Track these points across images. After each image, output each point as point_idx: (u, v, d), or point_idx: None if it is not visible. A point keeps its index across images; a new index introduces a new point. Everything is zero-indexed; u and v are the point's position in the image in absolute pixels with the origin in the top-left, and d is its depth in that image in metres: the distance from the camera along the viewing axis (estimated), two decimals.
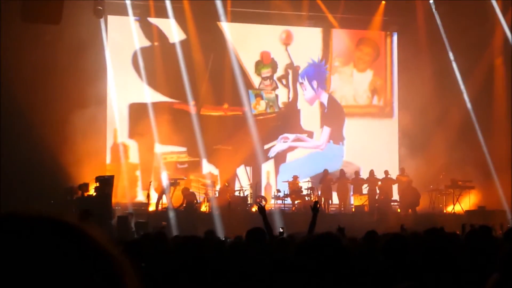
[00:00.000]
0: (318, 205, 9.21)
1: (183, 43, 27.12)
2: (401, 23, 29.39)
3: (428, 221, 19.22)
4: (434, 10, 28.64)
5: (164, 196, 24.24)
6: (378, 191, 25.86)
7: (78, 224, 1.18)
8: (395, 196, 26.45)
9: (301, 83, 28.75)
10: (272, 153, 28.07)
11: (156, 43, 27.21)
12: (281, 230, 17.92)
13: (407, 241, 5.90)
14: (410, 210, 25.15)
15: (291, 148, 28.38)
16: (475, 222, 16.60)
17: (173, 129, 26.00)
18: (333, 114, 28.81)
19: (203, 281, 4.95)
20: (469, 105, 28.00)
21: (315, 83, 28.81)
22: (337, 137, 28.81)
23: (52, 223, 1.15)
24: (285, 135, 28.30)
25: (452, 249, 4.84)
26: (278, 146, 28.20)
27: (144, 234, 10.85)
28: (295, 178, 25.96)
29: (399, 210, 25.82)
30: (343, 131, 28.89)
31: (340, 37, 29.36)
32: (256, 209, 24.80)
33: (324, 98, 28.89)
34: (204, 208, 24.57)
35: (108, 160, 26.25)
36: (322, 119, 28.77)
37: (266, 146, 27.81)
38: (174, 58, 26.72)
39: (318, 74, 28.90)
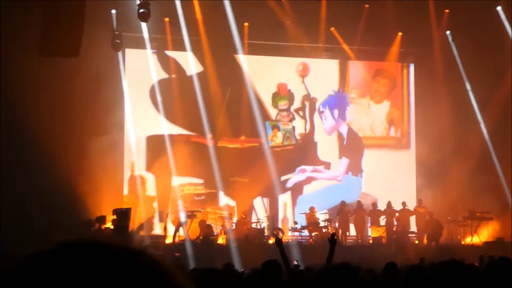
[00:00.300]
0: (335, 237, 9.17)
1: (200, 75, 27.23)
2: (417, 54, 29.40)
3: (446, 253, 19.12)
4: (450, 40, 28.71)
5: (181, 229, 24.21)
6: (395, 223, 25.73)
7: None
8: (413, 227, 26.31)
9: (322, 112, 28.75)
10: (289, 184, 28.03)
11: (173, 76, 27.34)
12: (296, 262, 17.87)
13: (427, 272, 5.86)
14: (433, 242, 24.96)
15: (308, 180, 28.32)
16: (494, 253, 16.46)
17: (190, 161, 26.02)
18: (352, 146, 28.79)
19: None
20: (486, 135, 27.94)
21: (336, 113, 28.82)
22: (355, 169, 28.76)
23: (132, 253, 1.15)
24: (303, 167, 28.26)
25: (472, 281, 4.80)
26: (295, 177, 28.16)
27: None
28: (312, 209, 25.87)
29: (417, 242, 25.67)
30: (361, 163, 28.83)
31: (357, 68, 29.40)
32: (274, 241, 24.80)
33: (344, 129, 28.89)
34: (221, 240, 24.53)
35: (125, 191, 26.28)
36: (340, 150, 28.74)
37: (283, 178, 27.78)
38: (191, 90, 26.81)
39: (340, 104, 28.94)
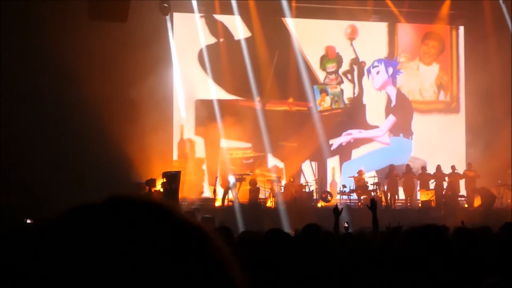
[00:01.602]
0: (374, 202, 9.16)
1: (248, 39, 27.20)
2: (467, 17, 29.02)
3: (496, 217, 18.97)
4: (501, 3, 28.25)
5: (230, 191, 24.32)
6: (445, 187, 25.59)
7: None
8: (462, 191, 26.16)
9: (376, 66, 28.56)
10: (334, 147, 27.93)
11: (221, 40, 27.34)
12: (346, 225, 17.89)
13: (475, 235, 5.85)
14: (478, 202, 24.90)
15: (356, 144, 28.23)
16: None
17: (238, 125, 26.05)
18: (401, 107, 28.61)
19: (276, 273, 4.98)
20: None
21: (390, 70, 28.63)
22: (406, 131, 28.60)
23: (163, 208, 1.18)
24: (349, 131, 28.18)
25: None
26: (339, 139, 28.03)
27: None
28: (361, 173, 25.81)
29: (466, 206, 25.53)
30: (411, 125, 28.67)
31: (406, 31, 29.12)
32: (322, 204, 24.85)
33: (392, 91, 28.69)
34: (270, 203, 24.62)
35: (175, 156, 26.46)
36: (387, 111, 28.59)
37: (331, 141, 27.73)
38: (239, 54, 26.80)
39: (391, 66, 28.69)
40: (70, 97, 23.08)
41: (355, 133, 28.20)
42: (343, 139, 28.10)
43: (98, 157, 23.12)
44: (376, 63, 28.56)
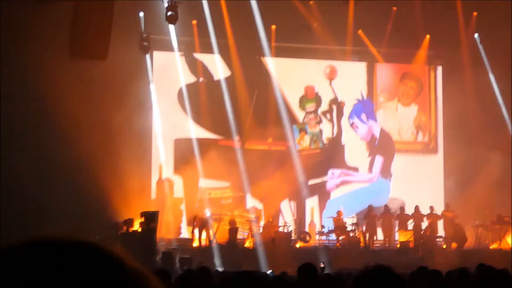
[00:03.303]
0: None
1: (228, 79, 27.25)
2: (445, 57, 29.26)
3: (474, 258, 18.96)
4: (479, 43, 28.51)
5: (208, 232, 24.19)
6: (423, 227, 25.60)
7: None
8: (441, 232, 26.18)
9: (352, 124, 28.68)
10: (329, 187, 28.01)
11: (201, 79, 27.39)
12: (322, 265, 17.84)
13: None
14: (455, 244, 24.88)
15: (342, 183, 28.27)
16: None
17: (217, 164, 25.97)
18: (385, 147, 28.72)
19: None
20: None
21: (364, 116, 28.73)
22: (385, 172, 28.69)
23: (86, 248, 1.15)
24: (332, 170, 28.21)
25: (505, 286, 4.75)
26: (332, 181, 28.10)
27: (188, 269, 10.84)
28: (339, 213, 25.79)
29: (444, 246, 25.52)
30: (391, 166, 28.75)
31: (385, 71, 29.31)
32: (300, 245, 24.80)
33: (376, 130, 28.81)
34: (248, 243, 24.52)
35: (153, 195, 26.33)
36: (371, 151, 28.66)
37: (310, 182, 27.68)
38: (218, 93, 26.82)
39: (365, 108, 28.82)
40: (48, 136, 22.94)
41: (338, 174, 28.21)
42: (334, 181, 28.14)
43: (76, 196, 22.98)
44: (350, 120, 28.68)
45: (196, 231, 24.11)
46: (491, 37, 27.53)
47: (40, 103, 22.66)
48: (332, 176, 28.20)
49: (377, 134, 28.82)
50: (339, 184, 28.24)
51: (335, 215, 25.79)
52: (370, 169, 28.70)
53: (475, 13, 27.60)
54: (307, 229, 26.60)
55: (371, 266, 3.64)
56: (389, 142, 28.92)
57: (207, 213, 24.73)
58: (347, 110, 28.75)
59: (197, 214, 24.74)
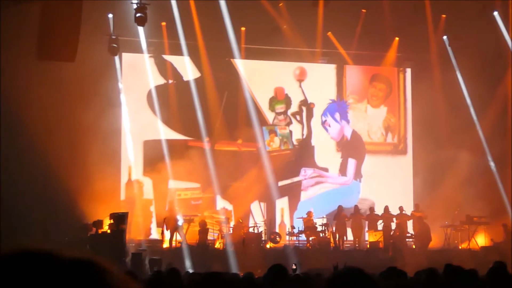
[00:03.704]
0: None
1: (197, 80, 27.23)
2: (414, 59, 29.45)
3: (444, 258, 19.08)
4: (447, 45, 28.70)
5: (178, 233, 24.17)
6: (393, 227, 25.72)
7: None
8: (410, 232, 26.31)
9: (325, 121, 28.76)
10: (304, 186, 28.10)
11: (170, 80, 27.34)
12: (294, 266, 17.85)
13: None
14: (419, 243, 25.07)
15: (316, 184, 28.37)
16: (491, 258, 16.47)
17: (187, 165, 25.92)
18: (356, 148, 28.85)
19: None
20: (483, 140, 27.92)
21: (337, 115, 28.83)
22: (356, 173, 28.82)
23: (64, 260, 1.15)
24: (304, 168, 28.29)
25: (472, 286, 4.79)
26: (305, 181, 28.21)
27: (158, 271, 10.80)
28: (310, 214, 25.84)
29: (414, 246, 25.66)
30: (361, 167, 28.88)
31: (354, 73, 29.41)
32: (271, 245, 24.82)
33: (348, 131, 28.91)
34: (218, 244, 24.50)
35: (122, 196, 26.24)
36: (344, 153, 28.76)
37: (280, 183, 27.72)
38: (188, 95, 26.79)
39: (340, 109, 28.93)
40: (15, 137, 22.80)
41: (310, 173, 28.30)
42: (309, 181, 28.24)
43: (44, 198, 22.88)
44: (323, 117, 28.78)
45: (166, 232, 24.08)
46: (459, 39, 27.72)
47: (7, 104, 22.47)
48: (305, 174, 28.27)
49: (348, 135, 28.92)
50: (313, 184, 28.32)
51: (305, 216, 25.85)
52: (342, 171, 28.80)
53: (443, 15, 27.75)
54: (277, 230, 26.64)
55: (342, 268, 3.65)
56: (360, 144, 29.04)
57: (177, 214, 24.69)
58: (316, 111, 28.84)
59: (167, 216, 24.70)
